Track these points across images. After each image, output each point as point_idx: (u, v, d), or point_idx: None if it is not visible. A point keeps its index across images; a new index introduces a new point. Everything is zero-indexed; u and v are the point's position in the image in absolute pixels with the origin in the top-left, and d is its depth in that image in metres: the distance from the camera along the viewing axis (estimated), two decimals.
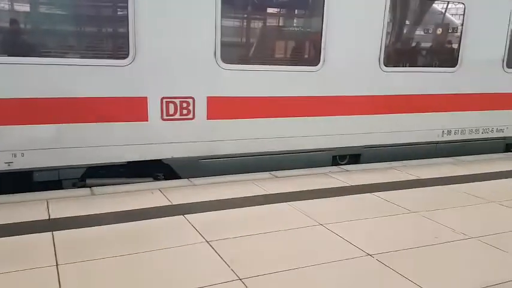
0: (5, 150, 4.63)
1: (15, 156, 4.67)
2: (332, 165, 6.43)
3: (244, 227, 4.12)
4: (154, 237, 3.85)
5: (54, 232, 3.82)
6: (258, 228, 4.11)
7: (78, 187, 5.09)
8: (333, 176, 5.87)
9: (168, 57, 5.13)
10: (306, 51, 6.44)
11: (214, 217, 4.34)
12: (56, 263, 3.32)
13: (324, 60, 5.92)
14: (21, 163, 4.72)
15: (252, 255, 3.59)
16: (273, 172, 5.86)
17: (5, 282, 3.06)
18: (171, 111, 5.25)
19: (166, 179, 5.52)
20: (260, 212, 4.54)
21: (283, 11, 6.47)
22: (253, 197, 4.91)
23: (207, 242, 3.77)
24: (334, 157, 6.53)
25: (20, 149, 4.68)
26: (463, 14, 6.76)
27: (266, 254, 3.62)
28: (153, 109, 5.16)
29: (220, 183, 5.35)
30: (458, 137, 7.28)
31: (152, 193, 4.89)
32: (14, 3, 4.77)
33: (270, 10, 6.22)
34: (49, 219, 4.13)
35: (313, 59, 5.98)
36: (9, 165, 4.66)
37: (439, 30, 7.24)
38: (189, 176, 5.49)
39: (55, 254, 3.45)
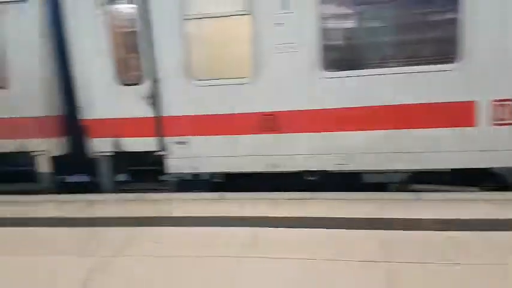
0: (338, 153, 5.27)
1: (346, 159, 5.25)
2: None
3: None
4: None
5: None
6: None
7: (401, 191, 5.26)
8: None
9: (499, 56, 4.64)
10: None
11: None
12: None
13: None
14: (353, 165, 5.27)
15: None
16: None
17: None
18: (504, 115, 4.71)
19: (497, 190, 5.00)
20: None
21: None
22: None
23: None
24: None
25: (353, 152, 5.24)
26: None
27: None
28: (482, 113, 4.78)
29: None
30: None
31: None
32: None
33: None
34: (378, 218, 4.45)
35: None
36: (341, 166, 5.27)
37: None
38: None
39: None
